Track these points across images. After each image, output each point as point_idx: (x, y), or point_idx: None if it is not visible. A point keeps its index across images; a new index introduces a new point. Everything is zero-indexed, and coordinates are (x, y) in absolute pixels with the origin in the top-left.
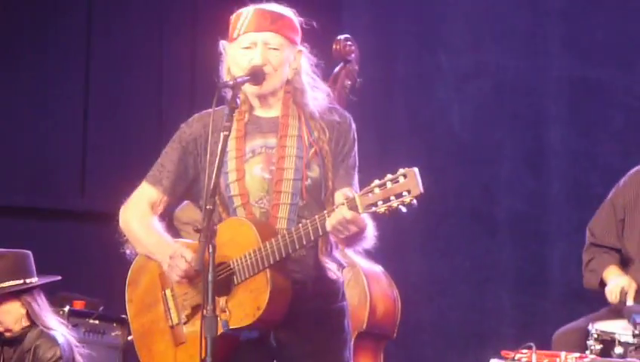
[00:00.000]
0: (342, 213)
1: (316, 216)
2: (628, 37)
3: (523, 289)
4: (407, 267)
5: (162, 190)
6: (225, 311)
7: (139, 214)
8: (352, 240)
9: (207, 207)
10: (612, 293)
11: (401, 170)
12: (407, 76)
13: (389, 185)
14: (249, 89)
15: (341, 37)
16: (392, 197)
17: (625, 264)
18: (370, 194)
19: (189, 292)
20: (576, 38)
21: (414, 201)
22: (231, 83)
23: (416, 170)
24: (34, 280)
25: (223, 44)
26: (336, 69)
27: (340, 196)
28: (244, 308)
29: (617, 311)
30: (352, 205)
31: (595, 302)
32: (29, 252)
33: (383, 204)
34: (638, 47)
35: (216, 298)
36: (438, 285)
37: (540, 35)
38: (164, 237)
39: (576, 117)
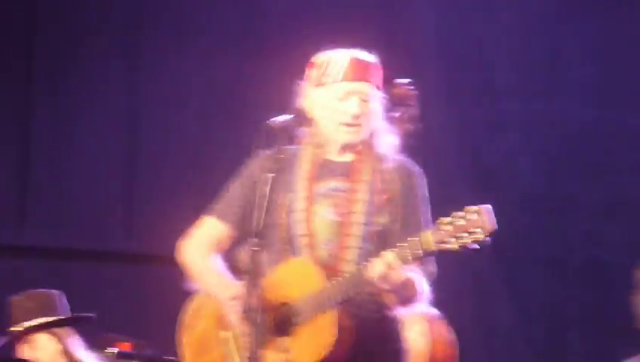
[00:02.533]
0: (378, 262)
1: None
2: None
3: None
4: (479, 314)
5: (230, 224)
6: (287, 352)
7: (201, 251)
8: (404, 299)
9: (253, 248)
10: None
11: (472, 207)
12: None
13: (460, 221)
14: (342, 137)
15: (401, 81)
16: (465, 234)
17: None
18: (441, 231)
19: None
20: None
21: (487, 238)
22: (276, 125)
23: (488, 206)
24: (65, 315)
25: (303, 86)
26: (398, 114)
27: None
28: (307, 347)
29: None
30: (418, 244)
31: None
32: (61, 291)
33: (456, 240)
34: None
35: (280, 339)
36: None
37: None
38: (226, 276)
39: None
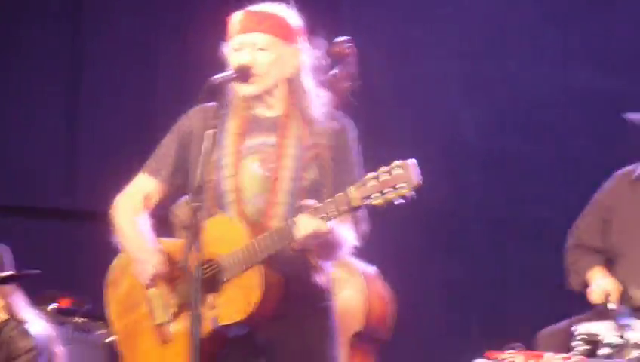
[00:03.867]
0: (305, 221)
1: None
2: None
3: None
4: (423, 272)
5: (160, 180)
6: (214, 308)
7: (130, 208)
8: (327, 252)
9: (193, 204)
10: (595, 294)
11: (397, 162)
12: (416, 81)
13: (384, 176)
14: (240, 90)
15: (339, 39)
16: (389, 189)
17: (610, 263)
18: (364, 187)
19: (175, 290)
20: (596, 48)
21: (412, 193)
22: (217, 81)
23: (413, 161)
24: (10, 272)
25: (224, 46)
26: (334, 71)
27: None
28: (234, 304)
29: (601, 314)
30: (343, 199)
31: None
32: (7, 247)
33: (380, 195)
34: None
35: (205, 295)
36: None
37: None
38: (146, 238)
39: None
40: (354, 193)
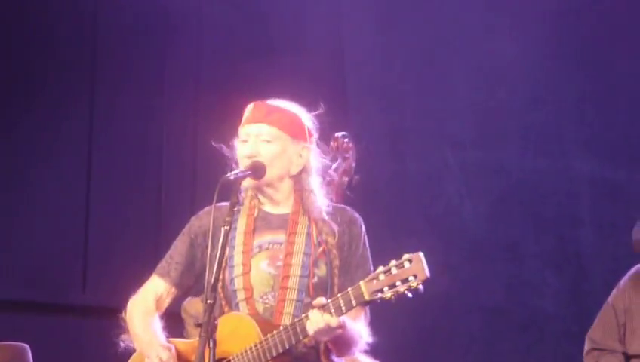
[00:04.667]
0: (316, 316)
1: (298, 318)
2: None
3: None
4: None
5: (170, 282)
6: None
7: (143, 310)
8: (342, 347)
9: (208, 301)
10: None
11: (406, 256)
12: (417, 173)
13: (394, 270)
14: (246, 183)
15: (338, 134)
16: (398, 283)
17: None
18: (375, 281)
19: None
20: (596, 138)
21: (420, 286)
22: (231, 178)
23: (421, 254)
24: None
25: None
26: (334, 166)
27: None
28: None
29: None
30: (356, 293)
31: None
32: (27, 346)
33: (389, 289)
34: None
35: None
36: None
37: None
38: (157, 336)
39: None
40: (365, 287)
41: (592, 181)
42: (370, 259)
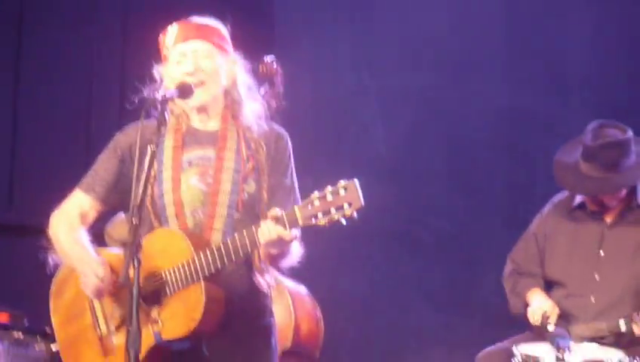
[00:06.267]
0: (270, 228)
1: (245, 231)
2: (563, 66)
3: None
4: (330, 286)
5: (95, 197)
6: (157, 322)
7: (67, 224)
8: (278, 257)
9: (133, 220)
10: (534, 315)
11: (342, 182)
12: (334, 96)
13: (329, 197)
14: (184, 104)
15: (267, 58)
16: (333, 209)
17: (549, 288)
18: (309, 206)
19: (117, 302)
20: (512, 66)
21: (354, 213)
22: (159, 98)
23: (356, 181)
24: None
25: (157, 69)
26: (261, 90)
27: (271, 212)
28: (177, 318)
29: (540, 334)
30: (290, 218)
31: (521, 325)
32: None
33: (324, 216)
34: (573, 76)
35: (148, 308)
36: (361, 305)
37: (474, 60)
38: (88, 250)
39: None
40: (300, 212)
41: (510, 107)
42: (294, 174)
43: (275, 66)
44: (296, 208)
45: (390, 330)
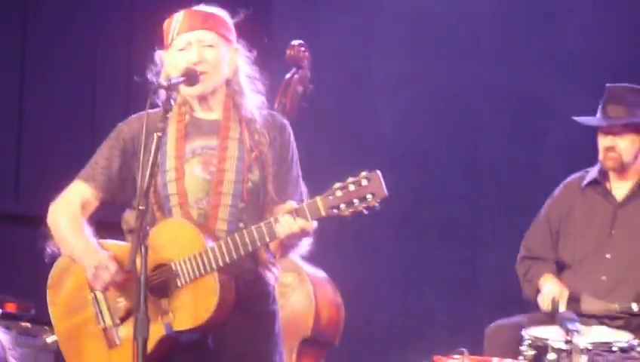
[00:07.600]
0: (290, 221)
1: (263, 223)
2: (567, 51)
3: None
4: (337, 271)
5: (95, 186)
6: (168, 313)
7: (69, 214)
8: (289, 247)
9: (140, 207)
10: (544, 301)
11: (364, 173)
12: (338, 80)
13: (351, 187)
14: (188, 91)
15: (295, 42)
16: (356, 200)
17: (560, 271)
18: (331, 197)
19: (122, 294)
20: (517, 49)
21: (377, 204)
22: (165, 85)
23: (379, 172)
24: None
25: (159, 54)
26: (289, 75)
27: (288, 205)
28: (189, 309)
29: (552, 319)
30: (312, 209)
31: (527, 309)
32: None
33: (347, 207)
34: (577, 61)
35: (157, 300)
36: (366, 290)
37: (478, 43)
38: (92, 242)
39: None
40: (321, 203)
41: (511, 91)
42: (298, 164)
43: (303, 50)
44: (318, 199)
45: (394, 315)
